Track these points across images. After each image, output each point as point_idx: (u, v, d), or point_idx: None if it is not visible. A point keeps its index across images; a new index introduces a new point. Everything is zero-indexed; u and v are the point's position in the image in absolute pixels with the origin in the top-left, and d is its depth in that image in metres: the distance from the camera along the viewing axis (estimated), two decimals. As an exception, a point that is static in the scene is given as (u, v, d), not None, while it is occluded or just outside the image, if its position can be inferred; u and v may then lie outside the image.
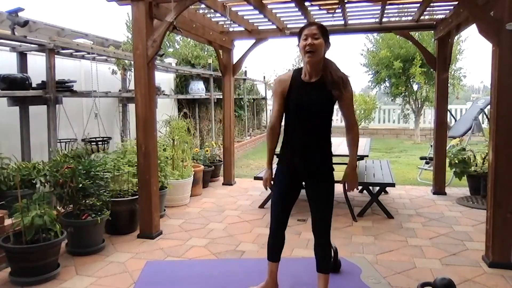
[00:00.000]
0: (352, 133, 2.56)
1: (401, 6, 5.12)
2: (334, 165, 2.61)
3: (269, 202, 3.07)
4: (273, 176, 2.68)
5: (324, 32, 2.42)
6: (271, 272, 2.76)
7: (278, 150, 2.68)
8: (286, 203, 2.65)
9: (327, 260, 2.62)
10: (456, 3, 4.68)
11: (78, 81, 5.24)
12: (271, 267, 2.75)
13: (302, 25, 2.57)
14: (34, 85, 4.49)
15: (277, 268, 2.76)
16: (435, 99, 5.92)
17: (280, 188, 2.64)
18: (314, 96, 2.44)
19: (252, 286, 2.86)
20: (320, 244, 2.59)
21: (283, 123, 2.60)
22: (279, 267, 2.78)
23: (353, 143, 2.57)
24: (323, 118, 2.49)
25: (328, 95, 2.43)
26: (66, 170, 3.53)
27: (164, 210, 4.84)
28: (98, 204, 3.73)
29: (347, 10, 5.16)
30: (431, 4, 4.82)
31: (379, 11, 5.28)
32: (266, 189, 2.77)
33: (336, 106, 2.54)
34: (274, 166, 2.70)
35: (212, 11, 5.00)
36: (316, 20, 5.73)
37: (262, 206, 5.15)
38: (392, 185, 4.85)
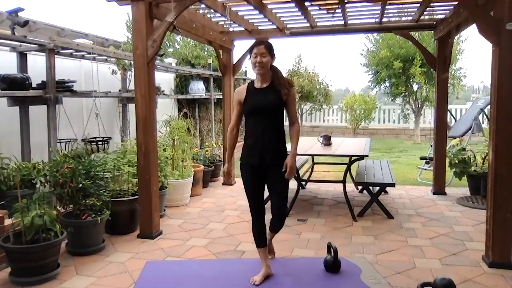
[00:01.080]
0: (294, 127, 3.00)
1: (401, 6, 5.12)
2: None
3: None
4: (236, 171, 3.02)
5: (271, 50, 2.89)
6: (264, 258, 3.08)
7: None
8: (258, 193, 3.04)
9: (281, 226, 3.11)
10: (456, 3, 4.68)
11: (78, 81, 5.24)
12: (262, 254, 3.08)
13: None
14: (34, 85, 4.49)
15: (266, 252, 3.14)
16: (435, 99, 5.93)
17: (250, 182, 3.02)
18: (266, 98, 2.90)
19: (253, 277, 3.02)
20: (278, 218, 3.06)
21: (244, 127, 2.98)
22: (279, 267, 3.07)
23: (294, 136, 2.98)
24: (275, 114, 2.92)
25: (277, 96, 2.89)
26: (66, 170, 3.54)
27: (164, 210, 4.84)
28: (98, 204, 3.73)
29: (347, 10, 5.16)
30: (431, 4, 4.82)
31: (379, 11, 5.28)
32: (227, 180, 3.08)
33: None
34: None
35: (212, 11, 5.00)
36: (316, 20, 5.75)
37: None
38: (392, 185, 4.84)
